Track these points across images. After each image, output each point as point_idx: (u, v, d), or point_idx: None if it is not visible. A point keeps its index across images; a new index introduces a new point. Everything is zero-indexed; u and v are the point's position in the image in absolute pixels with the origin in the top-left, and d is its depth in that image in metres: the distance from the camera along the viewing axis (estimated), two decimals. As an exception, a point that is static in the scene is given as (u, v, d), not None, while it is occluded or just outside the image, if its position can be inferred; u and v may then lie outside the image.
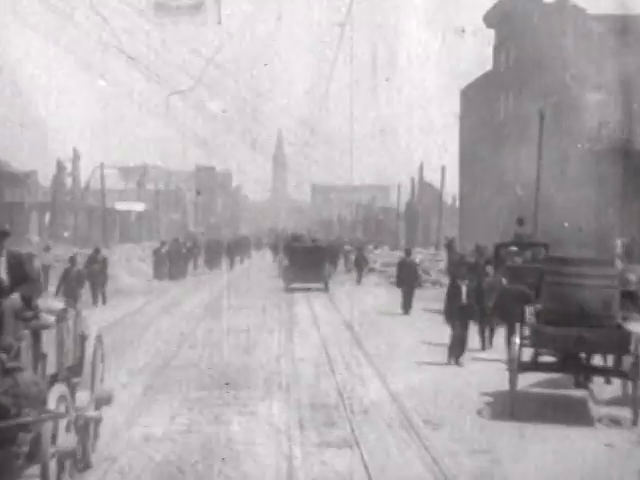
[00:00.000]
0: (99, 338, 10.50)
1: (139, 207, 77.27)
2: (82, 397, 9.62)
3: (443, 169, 58.01)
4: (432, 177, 74.49)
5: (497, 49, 56.53)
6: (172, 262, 34.31)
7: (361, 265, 36.66)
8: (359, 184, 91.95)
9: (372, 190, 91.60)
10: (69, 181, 75.46)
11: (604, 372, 15.12)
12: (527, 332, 14.11)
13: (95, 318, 12.39)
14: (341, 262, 45.35)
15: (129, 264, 36.66)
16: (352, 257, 43.49)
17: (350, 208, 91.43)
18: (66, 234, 72.93)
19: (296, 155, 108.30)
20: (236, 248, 43.97)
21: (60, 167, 75.24)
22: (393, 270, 36.27)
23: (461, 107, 62.48)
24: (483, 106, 58.52)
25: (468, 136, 61.11)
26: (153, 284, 33.48)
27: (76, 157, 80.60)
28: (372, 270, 37.77)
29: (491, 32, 57.53)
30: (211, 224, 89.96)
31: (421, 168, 71.54)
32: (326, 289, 32.22)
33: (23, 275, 8.58)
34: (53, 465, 8.17)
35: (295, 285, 32.41)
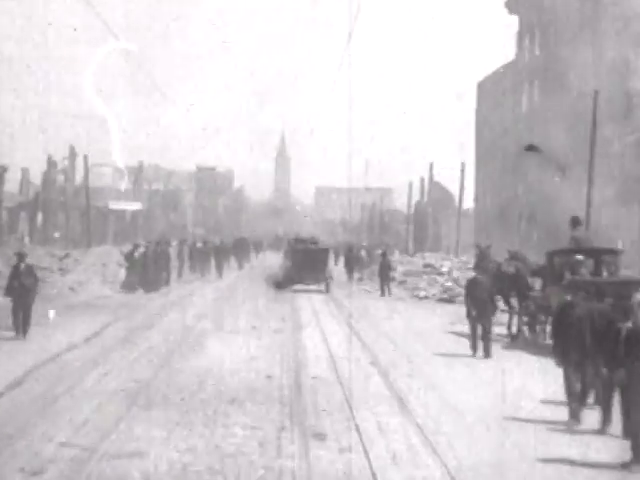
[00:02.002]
0: None
1: (135, 207, 70.54)
2: None
3: (463, 165, 50.78)
4: (442, 177, 67.63)
5: (521, 36, 49.26)
6: (147, 269, 26.91)
7: (387, 274, 29.03)
8: (363, 186, 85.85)
9: (376, 192, 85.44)
10: (61, 179, 68.88)
11: None
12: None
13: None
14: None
15: (105, 269, 29.39)
16: (365, 260, 36.29)
17: (353, 210, 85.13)
18: (57, 235, 66.11)
19: (299, 156, 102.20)
20: (226, 252, 36.22)
21: (50, 163, 68.34)
22: (416, 281, 29.07)
23: (477, 101, 55.14)
24: (503, 98, 51.30)
25: (485, 131, 53.84)
26: (126, 297, 26.10)
27: (72, 155, 73.85)
28: (391, 279, 30.44)
29: (514, 19, 50.48)
30: (211, 225, 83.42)
31: (431, 167, 64.34)
32: (327, 291, 29.42)
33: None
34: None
35: (299, 289, 29.39)
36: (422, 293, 26.91)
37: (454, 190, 71.26)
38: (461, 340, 18.00)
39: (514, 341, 18.47)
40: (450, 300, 26.12)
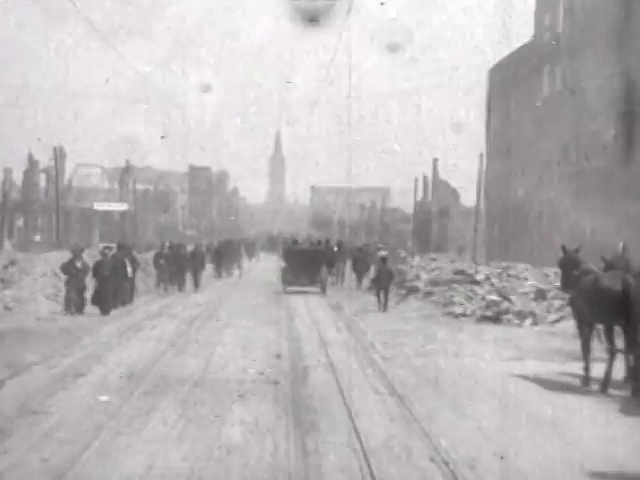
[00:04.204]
0: None
1: (121, 208, 63.53)
2: None
3: (481, 157, 43.57)
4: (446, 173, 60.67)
5: (539, 14, 42.06)
6: (103, 283, 18.97)
7: (388, 284, 21.76)
8: (359, 186, 79.78)
9: (373, 191, 79.29)
10: (44, 179, 62.01)
11: None
12: None
13: None
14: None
15: (58, 281, 21.99)
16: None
17: (351, 209, 78.80)
18: (38, 238, 59.01)
19: (295, 157, 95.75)
20: (202, 258, 28.18)
21: (32, 162, 61.28)
22: (446, 292, 21.83)
23: (489, 89, 47.81)
24: (519, 84, 44.10)
25: (498, 122, 46.59)
26: (76, 319, 18.65)
27: (61, 155, 66.92)
28: (413, 290, 23.12)
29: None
30: (204, 227, 76.51)
31: (435, 163, 57.14)
32: (323, 293, 27.13)
33: None
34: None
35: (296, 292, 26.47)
36: (458, 310, 19.64)
37: (460, 188, 64.12)
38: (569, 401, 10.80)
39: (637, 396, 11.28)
40: (496, 319, 18.87)
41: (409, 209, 68.09)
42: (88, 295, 19.60)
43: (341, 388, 11.64)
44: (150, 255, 30.36)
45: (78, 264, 19.30)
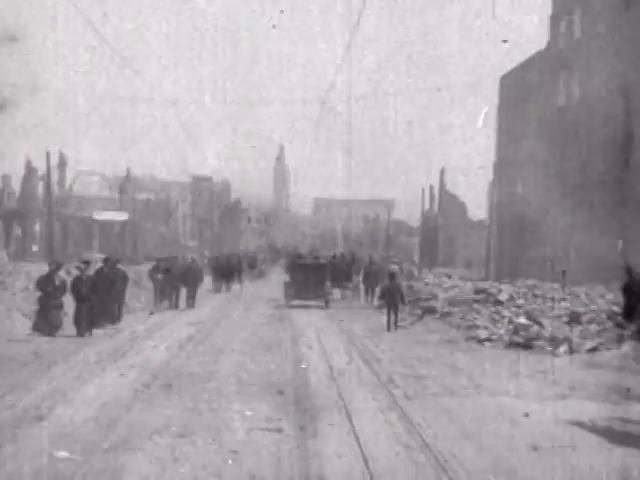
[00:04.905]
0: None
1: (121, 217, 61.19)
2: None
3: (495, 166, 41.17)
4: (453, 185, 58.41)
5: (555, 20, 39.74)
6: (81, 302, 16.29)
7: (397, 303, 19.26)
8: (362, 198, 77.93)
9: (377, 204, 77.27)
10: (42, 186, 59.65)
11: None
12: None
13: None
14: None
15: (36, 298, 19.29)
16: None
17: (353, 222, 76.63)
18: (35, 247, 56.63)
19: (297, 168, 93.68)
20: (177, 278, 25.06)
21: (30, 169, 59.00)
22: (467, 313, 19.36)
23: (500, 97, 45.53)
24: (532, 93, 41.74)
25: (509, 131, 44.23)
26: (52, 341, 16.01)
27: (62, 163, 64.79)
28: (430, 311, 20.56)
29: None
30: (206, 237, 74.26)
31: (442, 174, 54.72)
32: (327, 307, 26.13)
33: None
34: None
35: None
36: (482, 334, 17.13)
37: (466, 199, 61.64)
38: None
39: None
40: (527, 345, 16.40)
41: (412, 221, 65.85)
42: (67, 314, 17.14)
43: (360, 442, 9.16)
44: (147, 267, 27.93)
45: (56, 280, 16.81)
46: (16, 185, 61.36)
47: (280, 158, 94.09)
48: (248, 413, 10.48)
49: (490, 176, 42.31)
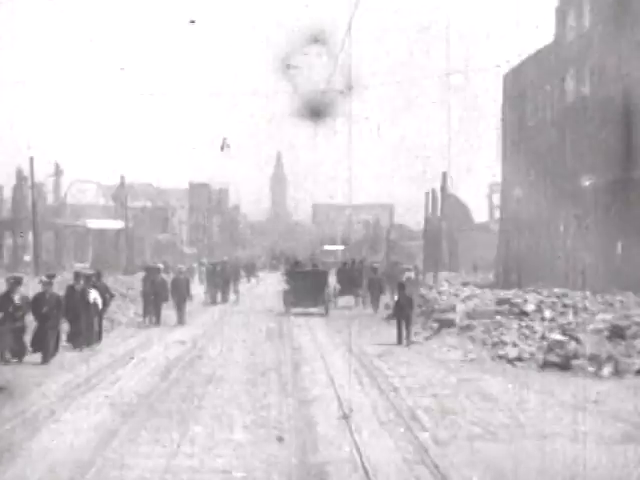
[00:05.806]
0: None
1: (116, 225, 58.82)
2: None
3: (503, 163, 38.72)
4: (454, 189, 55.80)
5: (561, 13, 37.27)
6: (43, 323, 13.45)
7: (409, 314, 16.70)
8: (362, 202, 75.66)
9: (376, 209, 75.09)
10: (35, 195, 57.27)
11: None
12: None
13: None
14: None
15: None
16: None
17: (353, 227, 74.31)
18: (27, 258, 54.16)
19: (296, 173, 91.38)
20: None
21: (20, 177, 56.51)
22: (490, 327, 16.81)
23: (504, 96, 42.98)
24: (538, 90, 39.31)
25: (514, 130, 41.75)
26: (18, 366, 13.45)
27: (58, 172, 62.41)
28: (447, 324, 17.98)
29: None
30: (203, 245, 71.95)
31: (444, 177, 52.16)
32: (326, 314, 25.22)
33: None
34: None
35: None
36: (511, 352, 14.57)
37: (470, 202, 59.34)
38: None
39: None
40: (564, 366, 13.83)
41: (413, 225, 63.46)
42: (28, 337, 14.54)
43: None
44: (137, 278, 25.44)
45: (16, 299, 14.21)
46: (8, 194, 59.09)
47: (278, 163, 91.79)
48: (238, 475, 7.92)
49: (491, 177, 39.82)
